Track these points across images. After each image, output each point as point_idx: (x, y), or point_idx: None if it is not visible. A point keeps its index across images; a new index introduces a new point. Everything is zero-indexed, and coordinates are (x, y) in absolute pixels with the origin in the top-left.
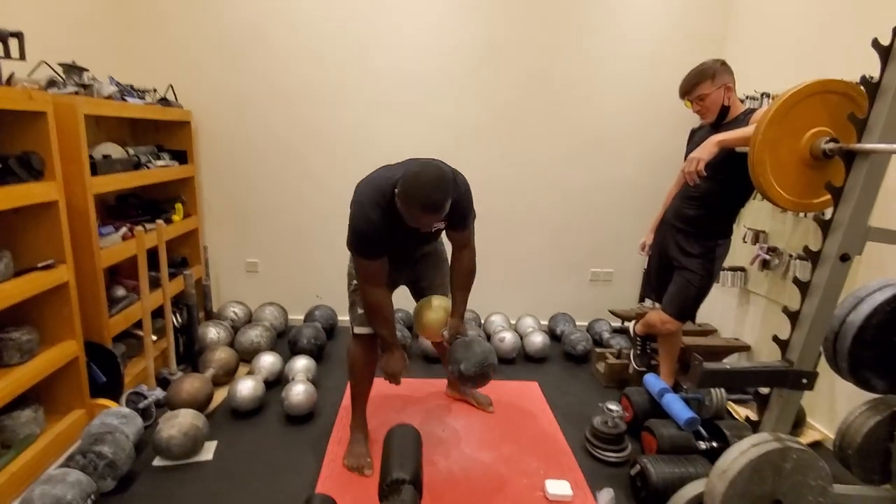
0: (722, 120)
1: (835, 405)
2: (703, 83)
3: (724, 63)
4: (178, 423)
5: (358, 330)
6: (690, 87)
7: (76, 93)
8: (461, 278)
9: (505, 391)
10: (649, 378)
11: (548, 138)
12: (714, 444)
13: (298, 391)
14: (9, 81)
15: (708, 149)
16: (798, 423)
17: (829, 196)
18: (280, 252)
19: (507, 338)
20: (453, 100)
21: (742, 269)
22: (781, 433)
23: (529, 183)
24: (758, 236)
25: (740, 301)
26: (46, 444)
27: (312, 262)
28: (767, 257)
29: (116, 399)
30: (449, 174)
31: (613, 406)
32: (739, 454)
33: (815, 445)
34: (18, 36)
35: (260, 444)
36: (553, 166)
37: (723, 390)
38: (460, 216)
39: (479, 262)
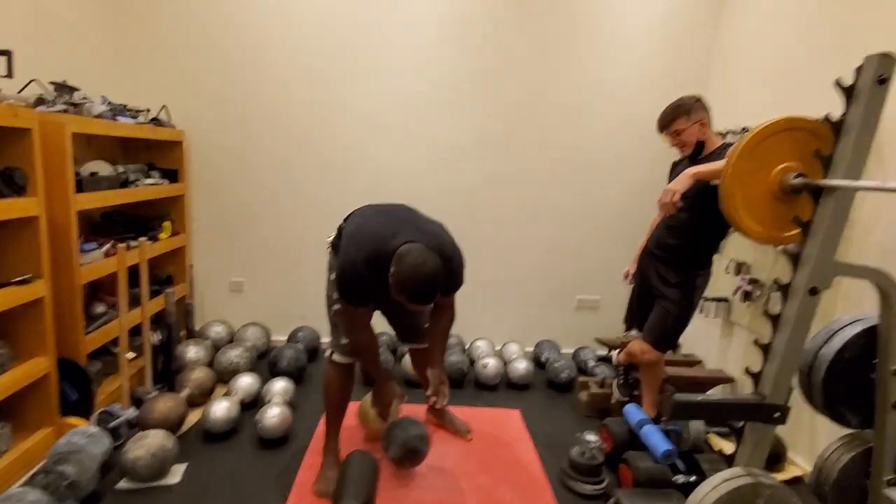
0: (699, 154)
1: (815, 440)
2: (679, 119)
3: (699, 100)
4: (147, 444)
5: (338, 358)
6: (667, 123)
7: (65, 111)
8: (440, 333)
9: (485, 419)
10: (629, 408)
11: (535, 164)
12: (691, 478)
13: (273, 414)
14: None
15: (683, 181)
16: (778, 459)
17: (798, 229)
18: (266, 272)
19: (491, 364)
20: (442, 124)
21: (725, 300)
22: (755, 468)
23: (516, 208)
24: (740, 268)
25: (724, 332)
26: (12, 461)
27: (298, 283)
28: (749, 289)
29: (87, 417)
30: (441, 271)
31: (591, 437)
32: (711, 489)
33: (797, 481)
34: (7, 54)
35: (230, 468)
36: (540, 192)
37: (701, 423)
38: (448, 290)
39: (464, 287)
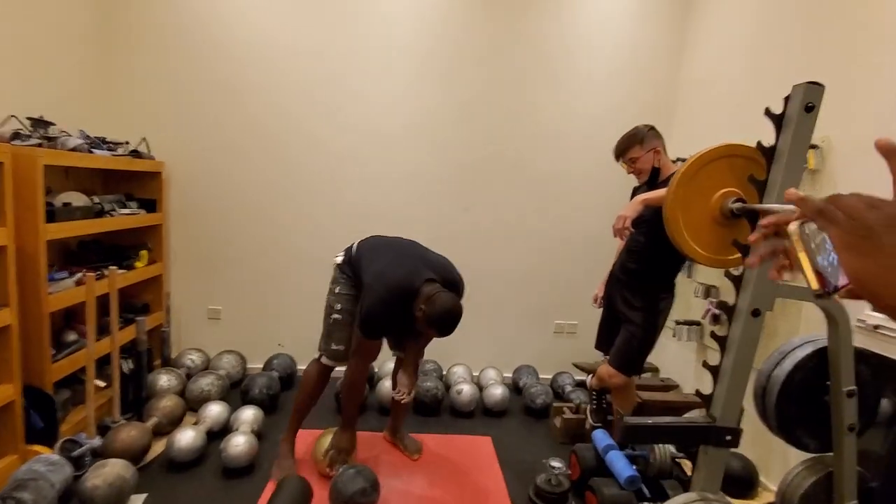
0: (655, 180)
1: (789, 465)
2: (633, 147)
3: (652, 128)
4: (104, 474)
5: (325, 361)
6: (622, 151)
7: (39, 144)
8: (416, 346)
9: (455, 446)
10: (597, 434)
11: (511, 192)
12: None
13: (238, 442)
14: None
15: (633, 206)
16: (751, 485)
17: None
18: (243, 300)
19: (465, 390)
20: (419, 155)
21: (697, 324)
22: (709, 492)
23: (494, 235)
24: (709, 291)
25: (699, 356)
26: None
27: (275, 311)
28: (717, 312)
29: (52, 446)
30: (461, 307)
31: (556, 463)
32: None
33: None
34: None
35: (192, 497)
36: (517, 219)
37: (668, 447)
38: None
39: None
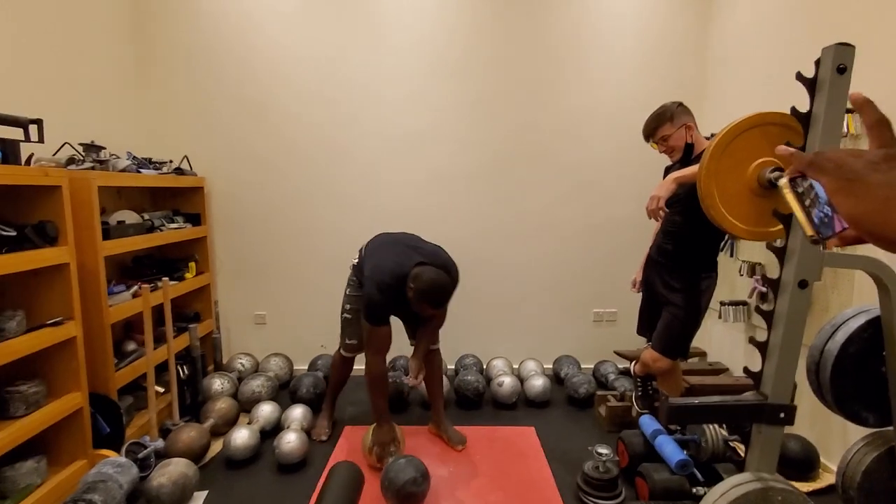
0: (689, 157)
1: (849, 443)
2: (663, 125)
3: (681, 104)
4: (169, 472)
5: (344, 353)
6: (652, 130)
7: (92, 168)
8: (425, 332)
9: (499, 437)
10: (644, 419)
11: (540, 184)
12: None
13: (290, 439)
14: (28, 161)
15: (666, 186)
16: (811, 466)
17: (781, 225)
18: (286, 304)
19: (506, 382)
20: (447, 152)
21: (744, 303)
22: (765, 472)
23: (525, 227)
24: (754, 268)
25: (747, 336)
26: (47, 492)
27: (316, 314)
28: (764, 290)
29: (118, 449)
30: (452, 281)
31: (603, 450)
32: (719, 496)
33: (832, 490)
34: (38, 122)
35: (249, 494)
36: (548, 210)
37: (717, 431)
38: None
39: (478, 307)
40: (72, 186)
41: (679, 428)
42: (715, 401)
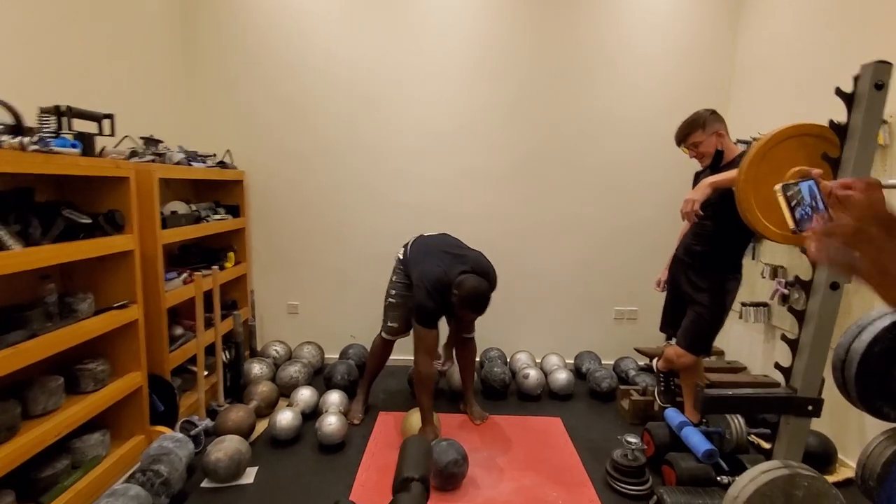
0: (718, 163)
1: (866, 439)
2: (695, 132)
3: (714, 112)
4: (225, 448)
5: (385, 336)
6: (683, 136)
7: (152, 160)
8: (463, 326)
9: (528, 426)
10: (670, 412)
11: (567, 184)
12: (735, 479)
13: (331, 422)
14: (101, 153)
15: (701, 190)
16: (829, 460)
17: None
18: (318, 295)
19: (532, 374)
20: (478, 152)
21: (765, 305)
22: (792, 461)
23: (551, 226)
24: (776, 271)
25: (766, 337)
26: (110, 465)
27: (347, 305)
28: (786, 291)
29: (171, 426)
30: (490, 286)
31: (632, 438)
32: (749, 481)
33: (848, 483)
34: (110, 117)
35: (296, 470)
36: (574, 210)
37: (743, 423)
38: None
39: (503, 302)
40: (137, 178)
41: (705, 421)
42: (748, 392)
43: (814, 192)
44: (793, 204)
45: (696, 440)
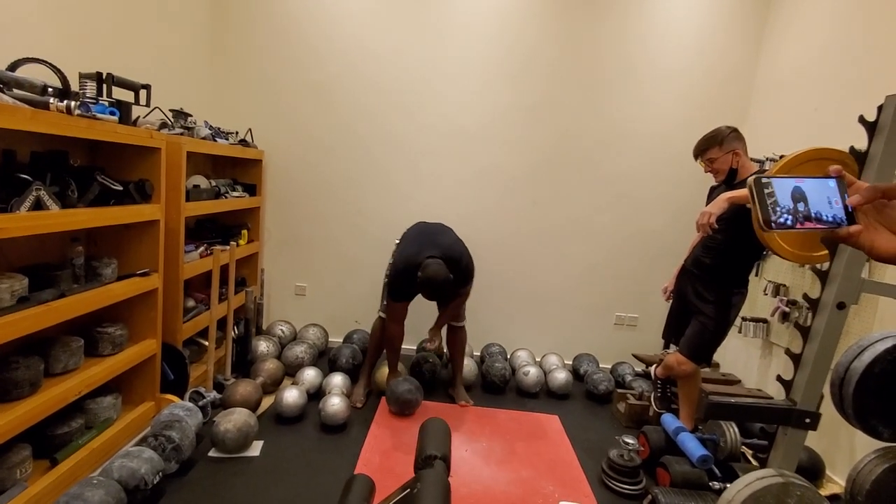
0: (733, 180)
1: (854, 458)
2: (712, 148)
3: (734, 130)
4: (234, 420)
5: (382, 314)
6: (701, 151)
7: (182, 134)
8: (447, 309)
9: (525, 421)
10: (666, 417)
11: (578, 190)
12: (727, 485)
13: (334, 403)
14: (135, 122)
15: (718, 204)
16: (816, 475)
17: (826, 250)
18: (326, 279)
19: (532, 372)
20: (495, 151)
21: (764, 321)
22: (786, 471)
23: (559, 229)
24: (778, 289)
25: (763, 352)
26: (121, 428)
27: (353, 291)
28: (787, 309)
29: (181, 395)
30: (448, 279)
31: (629, 439)
32: (744, 486)
33: (834, 499)
34: (147, 88)
35: (300, 447)
36: (582, 215)
37: (737, 433)
38: (459, 284)
39: (508, 299)
40: (167, 150)
41: (700, 428)
42: (750, 401)
43: (828, 190)
44: (769, 202)
45: (692, 445)
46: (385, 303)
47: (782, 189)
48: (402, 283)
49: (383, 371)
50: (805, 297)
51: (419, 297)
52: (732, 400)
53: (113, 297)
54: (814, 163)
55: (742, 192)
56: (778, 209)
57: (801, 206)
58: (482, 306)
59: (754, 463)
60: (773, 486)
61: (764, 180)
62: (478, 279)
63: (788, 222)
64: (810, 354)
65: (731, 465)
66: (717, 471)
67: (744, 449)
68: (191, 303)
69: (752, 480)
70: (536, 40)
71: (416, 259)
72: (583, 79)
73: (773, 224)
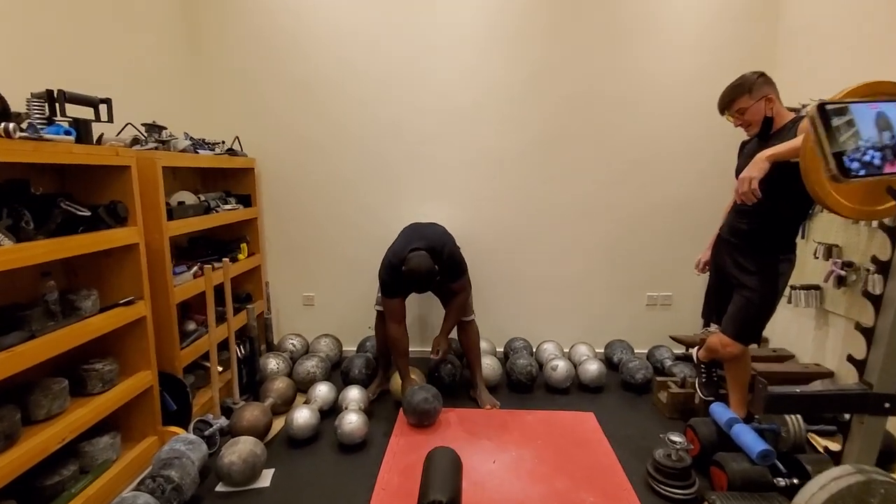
0: (768, 132)
1: None
2: (741, 98)
3: (763, 75)
4: (238, 450)
5: (376, 307)
6: (728, 103)
7: (156, 148)
8: (450, 310)
9: (558, 422)
10: (716, 407)
11: (592, 162)
12: (794, 481)
13: (351, 420)
14: (98, 141)
15: (759, 165)
16: (891, 457)
17: (894, 201)
18: (334, 286)
19: (560, 366)
20: (497, 130)
21: (817, 288)
22: (866, 465)
23: (576, 207)
24: (830, 251)
25: (818, 322)
26: (121, 469)
27: (364, 295)
28: (843, 273)
29: (185, 426)
30: (432, 268)
31: (676, 437)
32: (819, 489)
33: None
34: (107, 102)
35: (314, 472)
36: (599, 189)
37: (801, 420)
38: (449, 276)
39: (527, 289)
40: (139, 166)
41: (757, 417)
42: (816, 390)
43: None
44: (841, 139)
45: (749, 439)
46: (381, 297)
47: (863, 117)
48: (391, 278)
49: (397, 379)
50: (874, 259)
51: (431, 304)
52: (797, 390)
53: (93, 331)
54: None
55: (787, 146)
56: (861, 144)
57: (887, 137)
58: (500, 300)
59: (823, 452)
60: (854, 485)
61: (834, 107)
62: (491, 271)
63: (876, 162)
64: (885, 327)
65: (797, 457)
66: (780, 465)
67: (810, 436)
68: (191, 326)
69: (827, 482)
70: (531, 2)
71: (402, 253)
72: (585, 37)
73: (852, 170)
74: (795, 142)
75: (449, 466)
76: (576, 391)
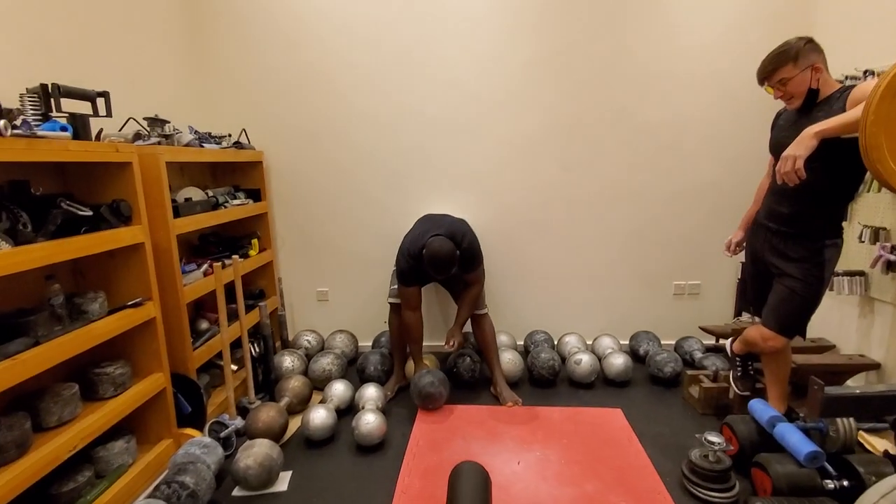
0: (812, 104)
1: None
2: (785, 66)
3: (810, 41)
4: (254, 454)
5: (390, 299)
6: (769, 73)
7: (158, 143)
8: (463, 302)
9: (584, 419)
10: (755, 404)
11: (614, 146)
12: (845, 484)
13: (368, 420)
14: (98, 137)
15: (805, 143)
16: None
17: None
18: (348, 280)
19: (584, 360)
20: (514, 115)
21: (862, 274)
22: None
23: (597, 194)
24: (877, 234)
25: (863, 311)
26: (137, 473)
27: (378, 289)
28: (892, 257)
29: (200, 428)
30: (453, 252)
31: (714, 437)
32: (880, 497)
33: None
34: (105, 95)
35: (332, 475)
36: (622, 175)
37: (852, 419)
38: (466, 266)
39: (547, 280)
40: (141, 163)
41: (801, 415)
42: (878, 390)
43: None
44: None
45: (795, 440)
46: (396, 288)
47: None
48: (410, 265)
49: (411, 365)
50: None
51: (441, 297)
52: (857, 391)
53: (101, 335)
54: None
55: (840, 120)
56: None
57: None
58: (519, 293)
59: (873, 447)
60: None
61: None
62: (510, 262)
63: None
64: None
65: (847, 458)
66: (829, 467)
67: (861, 435)
68: (204, 324)
69: (888, 490)
70: None
71: (421, 240)
72: (606, 13)
73: None
74: (848, 115)
75: (478, 487)
76: (601, 386)
